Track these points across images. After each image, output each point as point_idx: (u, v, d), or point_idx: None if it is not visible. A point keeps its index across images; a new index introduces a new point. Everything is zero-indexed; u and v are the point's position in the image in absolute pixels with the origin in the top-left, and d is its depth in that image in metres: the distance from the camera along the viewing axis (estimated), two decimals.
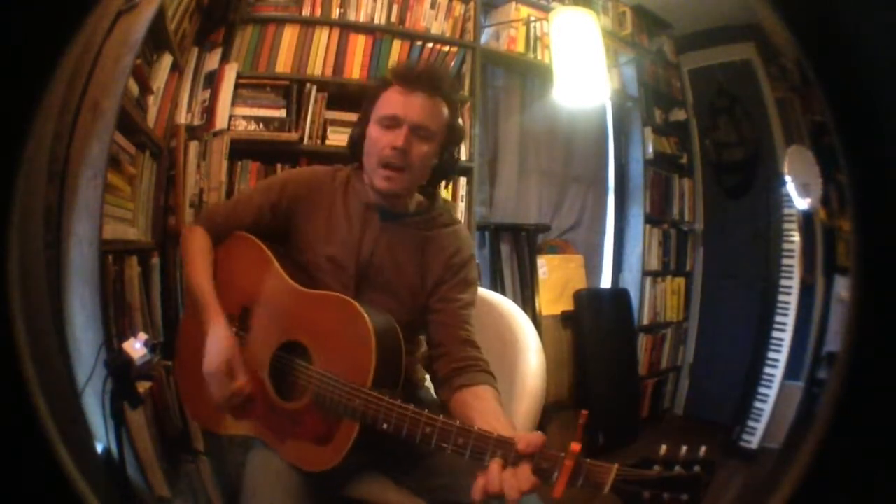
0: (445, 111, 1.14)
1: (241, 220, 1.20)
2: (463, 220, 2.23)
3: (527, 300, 2.45)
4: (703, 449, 0.81)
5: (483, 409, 0.98)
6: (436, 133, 1.12)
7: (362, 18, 2.09)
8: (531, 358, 1.24)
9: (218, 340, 1.08)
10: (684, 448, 0.80)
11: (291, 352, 1.08)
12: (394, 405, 0.93)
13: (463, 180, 2.24)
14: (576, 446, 0.80)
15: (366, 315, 1.01)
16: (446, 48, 2.21)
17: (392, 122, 1.10)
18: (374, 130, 1.12)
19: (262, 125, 1.94)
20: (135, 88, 1.50)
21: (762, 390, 2.07)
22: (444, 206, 1.25)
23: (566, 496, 0.81)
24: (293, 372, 1.07)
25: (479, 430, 0.87)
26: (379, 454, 1.14)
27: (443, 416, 0.89)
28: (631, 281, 2.59)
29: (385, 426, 0.93)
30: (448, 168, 1.21)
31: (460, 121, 1.21)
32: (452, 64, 2.24)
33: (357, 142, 1.17)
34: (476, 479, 0.84)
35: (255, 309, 1.15)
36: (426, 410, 0.91)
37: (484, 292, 1.47)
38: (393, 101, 1.11)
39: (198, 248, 1.19)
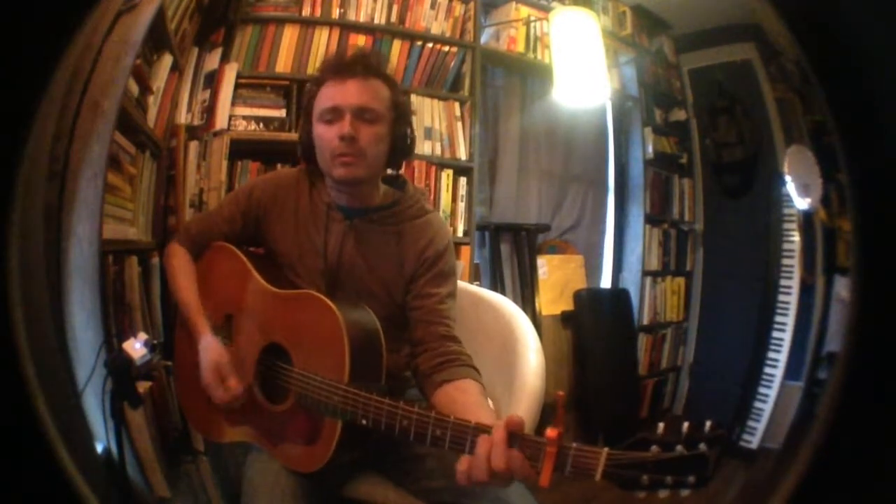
0: (385, 91, 1.11)
1: (215, 231, 1.22)
2: (463, 220, 2.23)
3: (527, 300, 2.45)
4: (709, 424, 0.73)
5: (467, 403, 0.97)
6: (381, 113, 1.09)
7: (362, 18, 2.09)
8: (531, 358, 1.24)
9: (206, 351, 1.10)
10: (686, 424, 0.73)
11: (274, 354, 1.09)
12: (371, 399, 0.91)
13: (463, 180, 2.24)
14: (552, 431, 0.75)
15: (336, 310, 1.00)
16: (446, 48, 2.21)
17: (333, 115, 1.07)
18: (318, 128, 1.09)
19: (262, 125, 1.94)
20: (135, 88, 1.49)
21: (762, 390, 2.07)
22: (416, 196, 1.20)
23: (563, 491, 0.77)
24: (277, 374, 1.08)
25: (456, 420, 0.84)
26: (374, 454, 1.14)
27: (418, 408, 0.87)
28: (631, 281, 2.59)
29: (364, 421, 0.92)
30: (403, 148, 1.17)
31: (404, 97, 1.17)
32: (452, 64, 2.24)
33: (307, 147, 1.14)
34: (460, 460, 0.81)
35: (238, 316, 1.16)
36: (402, 402, 0.89)
37: (484, 292, 1.47)
38: (329, 94, 1.08)
39: (178, 265, 1.22)
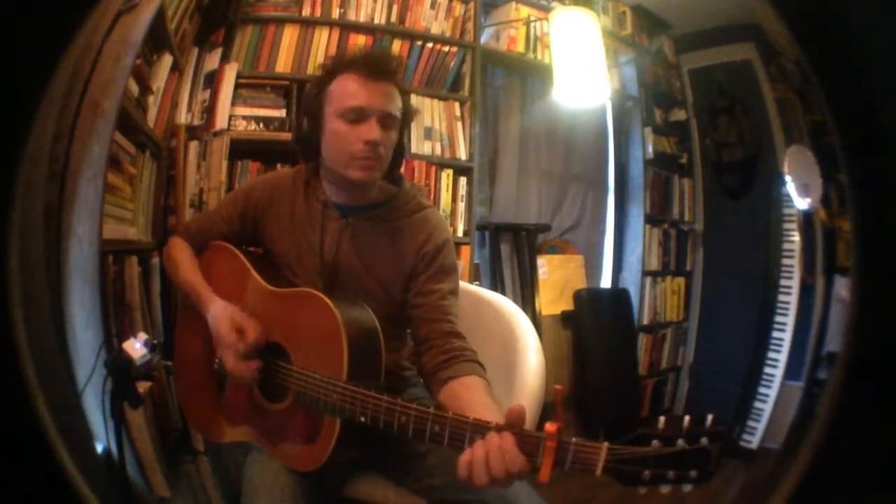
0: (399, 98, 1.10)
1: (214, 231, 1.23)
2: (463, 220, 2.23)
3: (527, 300, 2.45)
4: (711, 418, 0.72)
5: (472, 400, 0.96)
6: (398, 120, 1.10)
7: (362, 18, 2.09)
8: (531, 357, 1.24)
9: (219, 311, 1.08)
10: (687, 419, 0.72)
11: (273, 353, 1.08)
12: (368, 396, 0.91)
13: (463, 180, 2.24)
14: (551, 426, 0.74)
15: (333, 307, 1.00)
16: (446, 48, 2.21)
17: (359, 115, 1.05)
18: (337, 125, 1.06)
19: (262, 125, 1.94)
20: (135, 88, 1.50)
21: (762, 390, 2.07)
22: (413, 192, 1.19)
23: (564, 487, 0.77)
24: (276, 373, 1.07)
25: (454, 416, 0.84)
26: (374, 454, 1.14)
27: (416, 404, 0.87)
28: (631, 281, 2.59)
29: (362, 418, 0.92)
30: (401, 153, 1.17)
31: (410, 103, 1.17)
32: (452, 64, 2.24)
33: (310, 139, 1.12)
34: (461, 456, 0.80)
35: None
36: (400, 399, 0.89)
37: (484, 292, 1.47)
38: (355, 92, 1.05)
39: (181, 254, 1.22)
